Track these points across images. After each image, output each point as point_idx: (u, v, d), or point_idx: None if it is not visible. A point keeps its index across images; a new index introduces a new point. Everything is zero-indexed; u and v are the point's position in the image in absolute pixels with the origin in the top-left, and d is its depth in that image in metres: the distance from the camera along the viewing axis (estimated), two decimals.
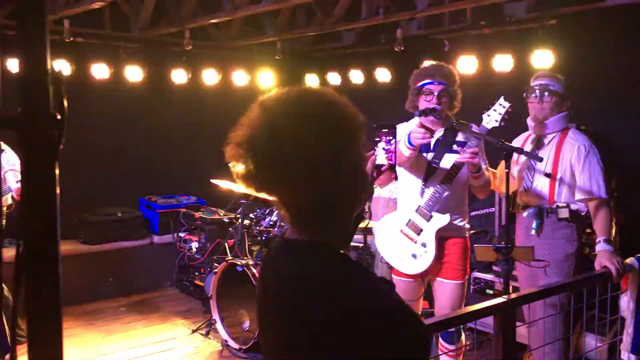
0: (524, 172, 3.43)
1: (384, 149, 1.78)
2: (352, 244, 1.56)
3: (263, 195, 1.26)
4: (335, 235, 1.28)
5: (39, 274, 0.78)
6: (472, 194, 3.46)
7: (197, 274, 6.01)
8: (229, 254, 5.41)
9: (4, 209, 4.53)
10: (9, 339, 4.26)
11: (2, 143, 3.73)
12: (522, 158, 3.44)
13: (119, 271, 6.13)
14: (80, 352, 4.69)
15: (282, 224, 4.89)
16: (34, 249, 0.78)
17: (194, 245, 6.06)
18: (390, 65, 6.00)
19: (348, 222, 1.30)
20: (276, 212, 5.03)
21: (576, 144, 3.29)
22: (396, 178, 2.98)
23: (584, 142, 3.29)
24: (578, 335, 3.86)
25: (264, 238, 4.97)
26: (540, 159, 3.29)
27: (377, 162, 1.75)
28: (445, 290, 3.33)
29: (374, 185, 2.30)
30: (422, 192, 3.28)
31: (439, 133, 3.31)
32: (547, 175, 3.31)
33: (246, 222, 5.24)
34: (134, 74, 6.02)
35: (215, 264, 5.18)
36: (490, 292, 4.64)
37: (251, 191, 1.27)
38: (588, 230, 3.47)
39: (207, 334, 5.02)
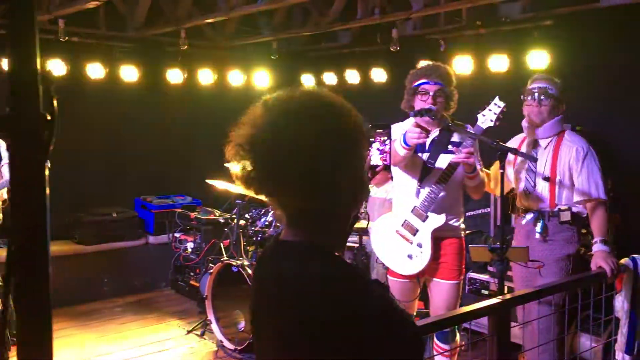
0: (523, 174, 3.42)
1: (378, 149, 1.79)
2: (347, 244, 1.56)
3: (262, 197, 1.26)
4: (332, 237, 1.28)
5: (28, 274, 0.77)
6: (467, 195, 3.46)
7: (192, 274, 6.00)
8: (225, 255, 5.40)
9: (0, 203, 4.51)
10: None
11: None
12: (519, 159, 3.44)
13: (114, 272, 6.11)
14: (75, 353, 4.68)
15: (278, 224, 4.89)
16: (24, 249, 0.77)
17: (190, 245, 6.05)
18: (386, 65, 6.00)
19: (345, 226, 1.31)
20: (271, 212, 5.03)
21: (573, 146, 3.29)
22: (392, 178, 2.98)
23: (581, 144, 3.29)
24: (573, 336, 3.86)
25: (259, 238, 4.96)
26: (536, 160, 3.30)
27: (371, 163, 1.75)
28: (441, 290, 3.33)
29: (370, 185, 2.30)
30: (418, 193, 3.28)
31: (435, 133, 3.31)
32: (546, 179, 3.31)
33: (242, 222, 5.23)
34: (129, 73, 6.01)
35: (210, 265, 5.17)
36: (486, 292, 4.65)
37: (250, 192, 1.27)
38: (583, 231, 3.47)
39: (202, 335, 5.01)
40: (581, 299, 3.03)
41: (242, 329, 4.50)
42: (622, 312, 3.23)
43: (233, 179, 1.25)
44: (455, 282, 3.31)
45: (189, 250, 6.04)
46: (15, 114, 0.74)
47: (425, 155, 3.30)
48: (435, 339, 3.39)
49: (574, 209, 3.31)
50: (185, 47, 5.51)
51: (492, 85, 4.74)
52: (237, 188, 5.06)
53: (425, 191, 3.25)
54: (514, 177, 3.50)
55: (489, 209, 4.92)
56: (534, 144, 3.42)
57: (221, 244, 5.61)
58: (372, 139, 1.80)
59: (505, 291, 3.03)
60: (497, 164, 3.20)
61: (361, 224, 4.35)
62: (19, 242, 0.77)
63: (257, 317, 1.33)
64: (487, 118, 3.16)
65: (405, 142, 3.11)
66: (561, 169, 3.29)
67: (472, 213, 4.92)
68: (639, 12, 4.29)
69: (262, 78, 6.73)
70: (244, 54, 6.81)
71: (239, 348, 4.50)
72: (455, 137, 3.29)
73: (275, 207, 1.28)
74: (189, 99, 6.68)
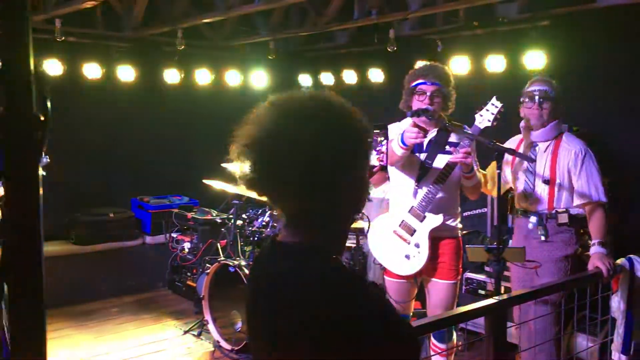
0: (521, 176, 3.42)
1: (375, 150, 1.78)
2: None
3: (264, 198, 1.26)
4: (331, 239, 1.29)
5: (21, 274, 0.77)
6: (463, 195, 3.46)
7: (189, 274, 5.99)
8: (222, 255, 5.39)
9: None
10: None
11: None
12: (517, 160, 3.44)
13: (111, 272, 6.09)
14: (72, 353, 4.67)
15: (275, 224, 4.88)
16: (17, 249, 0.77)
17: (187, 245, 6.04)
18: (383, 65, 6.00)
19: (346, 226, 1.32)
20: (268, 212, 5.02)
21: (572, 149, 3.29)
22: (389, 178, 2.99)
23: (580, 147, 3.29)
24: (569, 336, 3.86)
25: (256, 239, 4.95)
26: (533, 160, 3.30)
27: None
28: (438, 290, 3.33)
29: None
30: (415, 193, 3.28)
31: (432, 133, 3.31)
32: (546, 182, 3.31)
33: (239, 222, 5.22)
34: (126, 73, 6.00)
35: (207, 265, 5.16)
36: (482, 292, 4.65)
37: (252, 193, 1.27)
38: (581, 231, 3.47)
39: (199, 335, 5.00)
40: (577, 299, 3.03)
41: (239, 329, 4.49)
42: (618, 312, 3.24)
43: (230, 179, 1.25)
44: (452, 282, 3.32)
45: (186, 250, 6.03)
46: (8, 115, 0.74)
47: (422, 156, 3.30)
48: (432, 339, 3.39)
49: (572, 211, 3.31)
50: (183, 47, 5.50)
51: (489, 86, 4.75)
52: (234, 188, 5.07)
53: (422, 191, 3.25)
54: (511, 177, 3.50)
55: (486, 209, 4.93)
56: (532, 145, 3.42)
57: (218, 244, 5.60)
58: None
59: (502, 291, 3.03)
60: (494, 164, 3.20)
61: (359, 224, 4.37)
62: (13, 242, 0.77)
63: (254, 317, 1.33)
64: (484, 118, 3.17)
65: (403, 142, 3.11)
66: (560, 171, 3.29)
67: (469, 213, 4.92)
68: (636, 13, 4.30)
69: (259, 78, 6.72)
70: (241, 54, 6.81)
71: (235, 348, 4.50)
72: (452, 138, 3.29)
73: (276, 207, 1.29)
74: (186, 99, 6.67)
